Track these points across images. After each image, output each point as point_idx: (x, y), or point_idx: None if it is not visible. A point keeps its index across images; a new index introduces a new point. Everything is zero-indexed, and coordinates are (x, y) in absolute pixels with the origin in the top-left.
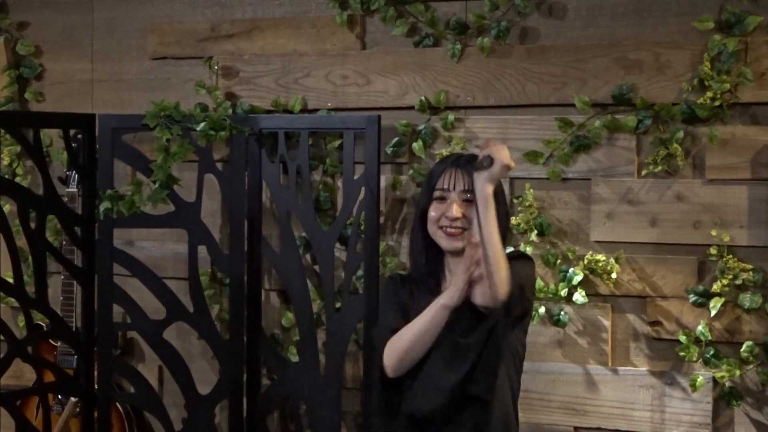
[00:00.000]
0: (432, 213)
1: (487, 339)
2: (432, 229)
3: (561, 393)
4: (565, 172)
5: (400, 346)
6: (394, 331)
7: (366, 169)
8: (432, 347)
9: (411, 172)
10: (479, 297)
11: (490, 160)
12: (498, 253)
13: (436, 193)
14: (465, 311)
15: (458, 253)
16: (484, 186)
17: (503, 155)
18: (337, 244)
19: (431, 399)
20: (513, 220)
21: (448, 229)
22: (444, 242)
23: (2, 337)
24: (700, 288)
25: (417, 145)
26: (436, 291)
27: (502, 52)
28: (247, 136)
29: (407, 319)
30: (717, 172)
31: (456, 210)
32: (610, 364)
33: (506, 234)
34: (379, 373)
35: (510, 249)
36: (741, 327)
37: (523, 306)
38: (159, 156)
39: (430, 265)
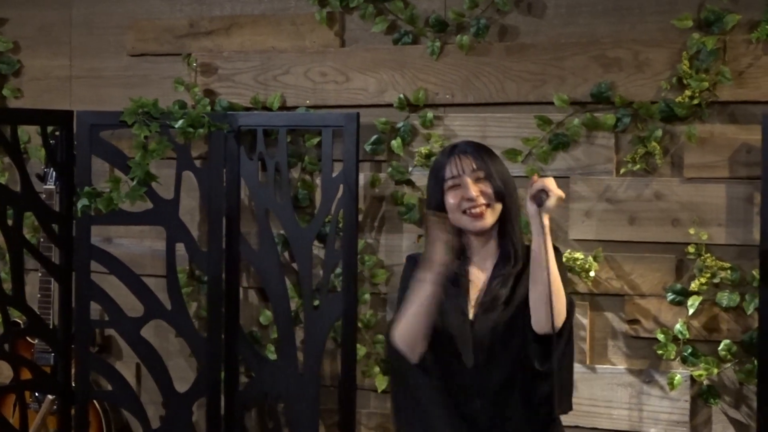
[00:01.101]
0: (450, 201)
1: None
2: (455, 216)
3: None
4: (543, 170)
5: (405, 329)
6: None
7: (345, 167)
8: None
9: (390, 169)
10: (536, 325)
11: (546, 194)
12: (558, 284)
13: (449, 183)
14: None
15: (484, 233)
16: (543, 219)
17: (555, 188)
18: (316, 242)
19: None
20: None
21: (472, 211)
22: (470, 225)
23: None
24: (678, 286)
25: (396, 143)
26: (463, 273)
27: (482, 50)
28: (225, 134)
29: None
30: (695, 171)
31: (473, 188)
32: (588, 362)
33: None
34: (393, 370)
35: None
36: (719, 325)
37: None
38: (137, 153)
39: (456, 253)
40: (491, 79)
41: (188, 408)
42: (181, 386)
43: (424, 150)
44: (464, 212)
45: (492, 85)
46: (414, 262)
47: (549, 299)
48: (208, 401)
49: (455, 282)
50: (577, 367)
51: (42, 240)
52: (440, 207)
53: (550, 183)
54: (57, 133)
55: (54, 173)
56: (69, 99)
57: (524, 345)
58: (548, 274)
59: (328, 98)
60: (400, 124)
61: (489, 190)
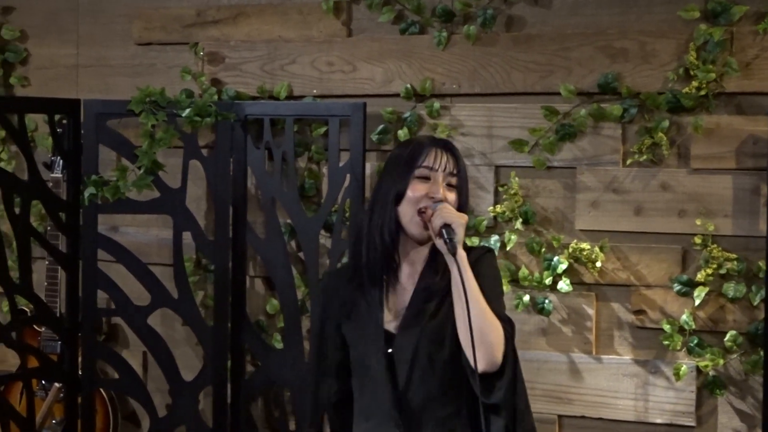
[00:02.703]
0: (410, 193)
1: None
2: (409, 211)
3: (545, 381)
4: (550, 161)
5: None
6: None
7: (351, 157)
8: None
9: None
10: (472, 363)
11: (450, 229)
12: (485, 319)
13: (420, 171)
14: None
15: (422, 242)
16: (458, 255)
17: (453, 215)
18: (322, 231)
19: None
20: (498, 208)
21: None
22: (417, 230)
23: None
24: (685, 277)
25: (402, 133)
26: (393, 278)
27: (488, 40)
28: (232, 123)
29: (350, 315)
30: (702, 162)
31: (442, 191)
32: (594, 352)
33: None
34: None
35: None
36: (725, 316)
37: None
38: (144, 142)
39: (389, 250)
40: (498, 69)
41: (194, 396)
42: (188, 375)
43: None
44: (420, 212)
45: (498, 75)
46: (334, 286)
47: (479, 338)
48: (215, 390)
49: (379, 288)
50: (583, 358)
51: (49, 228)
52: (402, 188)
53: (449, 215)
54: (64, 121)
55: (61, 162)
56: (76, 88)
57: (459, 369)
58: (468, 310)
59: (335, 88)
60: (406, 114)
61: (454, 199)
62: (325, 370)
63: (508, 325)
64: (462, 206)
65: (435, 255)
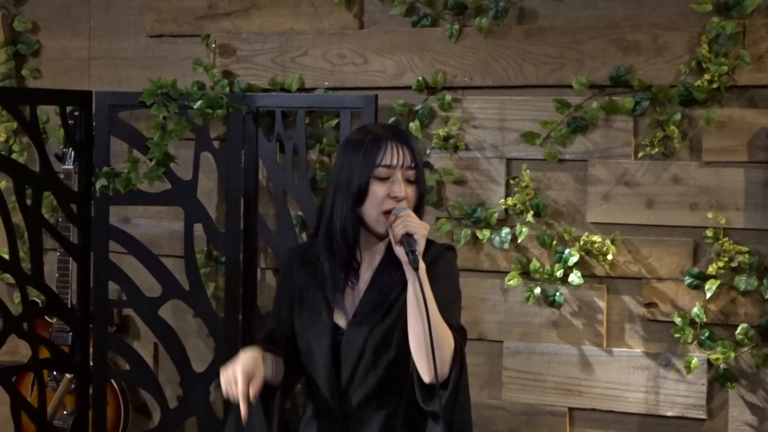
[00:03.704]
0: (372, 195)
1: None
2: (373, 212)
3: (556, 374)
4: (561, 153)
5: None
6: (265, 339)
7: None
8: None
9: None
10: (426, 375)
11: (412, 238)
12: (443, 330)
13: (379, 171)
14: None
15: (384, 237)
16: (422, 267)
17: (415, 225)
18: None
19: None
20: (509, 201)
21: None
22: (383, 229)
23: None
24: (696, 270)
25: (414, 125)
26: (351, 273)
27: (500, 33)
28: (244, 115)
29: (302, 302)
30: (714, 155)
31: (403, 189)
32: (605, 345)
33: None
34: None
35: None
36: (736, 309)
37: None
38: (156, 134)
39: (351, 251)
40: (510, 62)
41: (205, 388)
42: (199, 366)
43: (442, 132)
44: (384, 213)
45: (510, 68)
46: (291, 256)
47: (430, 351)
48: None
49: (345, 276)
50: (594, 350)
51: (60, 219)
52: (362, 190)
53: (412, 225)
54: (76, 113)
55: (73, 153)
56: (88, 79)
57: (402, 370)
58: (429, 326)
59: (347, 80)
60: (418, 107)
61: (413, 194)
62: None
63: (459, 335)
64: (421, 196)
65: (392, 250)
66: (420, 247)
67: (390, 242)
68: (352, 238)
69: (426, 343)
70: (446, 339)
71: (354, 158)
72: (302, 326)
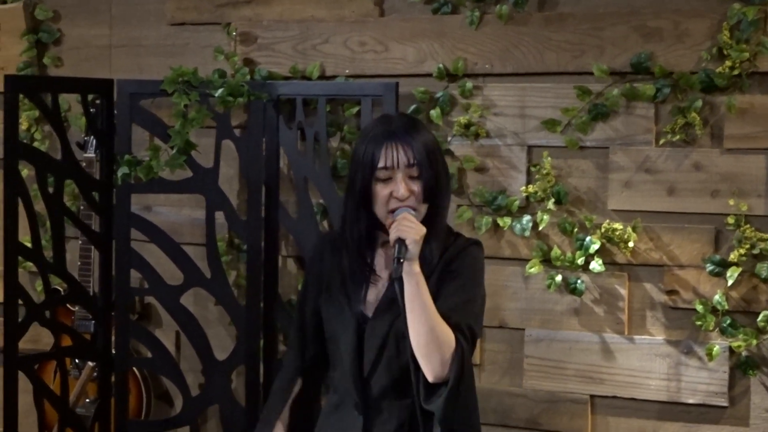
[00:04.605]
0: (377, 197)
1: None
2: (382, 212)
3: (577, 361)
4: (582, 141)
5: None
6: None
7: None
8: None
9: None
10: (429, 375)
11: (404, 244)
12: (439, 331)
13: (379, 174)
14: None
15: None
16: (411, 269)
17: (408, 230)
18: None
19: None
20: (530, 188)
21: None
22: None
23: (20, 302)
24: (717, 257)
25: (435, 113)
26: (368, 266)
27: (521, 20)
28: (264, 103)
29: (330, 288)
30: (735, 142)
31: (404, 188)
32: (626, 332)
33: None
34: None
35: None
36: (758, 296)
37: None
38: (177, 122)
39: (363, 253)
40: (530, 49)
41: (227, 376)
42: (220, 354)
43: (463, 120)
44: (391, 212)
45: (531, 55)
46: (322, 243)
47: (423, 352)
48: (247, 369)
49: (360, 273)
50: (615, 338)
51: (82, 208)
52: (366, 192)
53: (405, 230)
54: (97, 101)
55: (94, 141)
56: (109, 67)
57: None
58: (430, 324)
59: (367, 68)
60: (439, 94)
61: (419, 189)
62: (300, 336)
63: (465, 336)
64: (431, 190)
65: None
66: (411, 252)
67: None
68: (357, 240)
69: (418, 344)
70: (443, 341)
71: (357, 160)
72: (329, 313)
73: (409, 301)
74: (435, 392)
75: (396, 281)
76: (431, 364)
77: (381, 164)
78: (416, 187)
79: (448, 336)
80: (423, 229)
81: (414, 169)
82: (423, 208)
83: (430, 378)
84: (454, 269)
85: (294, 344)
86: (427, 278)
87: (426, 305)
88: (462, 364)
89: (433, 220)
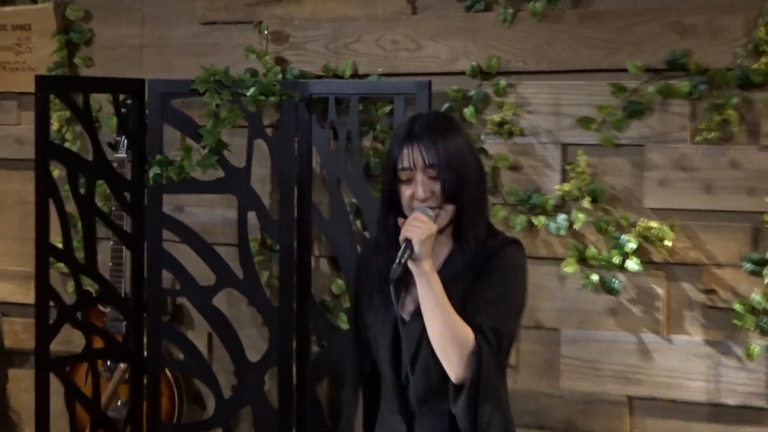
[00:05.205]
0: (405, 193)
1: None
2: (407, 211)
3: (614, 362)
4: (617, 138)
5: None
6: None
7: None
8: None
9: None
10: (452, 377)
11: (410, 246)
12: (454, 331)
13: (402, 174)
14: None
15: (441, 231)
16: (419, 269)
17: (415, 230)
18: None
19: None
20: (565, 187)
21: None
22: None
23: (52, 303)
24: (755, 256)
25: (468, 111)
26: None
27: (554, 17)
28: (297, 102)
29: (372, 293)
30: None
31: (422, 190)
32: (664, 333)
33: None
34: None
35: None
36: None
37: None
38: (208, 121)
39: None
40: (564, 46)
41: (260, 377)
42: (253, 355)
43: (496, 118)
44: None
45: (565, 52)
46: (368, 248)
47: (441, 352)
48: (280, 370)
49: (382, 277)
50: (653, 338)
51: (114, 208)
52: (393, 195)
53: (412, 230)
54: (128, 101)
55: (125, 141)
56: (140, 67)
57: None
58: (442, 326)
59: (400, 66)
60: (472, 92)
61: (439, 192)
62: (356, 347)
63: (483, 336)
64: (452, 191)
65: (459, 245)
66: (417, 252)
67: (454, 235)
68: (388, 241)
69: (435, 343)
70: (459, 340)
71: (384, 162)
72: (370, 319)
73: (422, 300)
74: (458, 394)
75: (391, 282)
76: (451, 364)
77: (400, 165)
78: (437, 186)
79: (466, 335)
80: (432, 229)
81: (432, 170)
82: (449, 209)
83: (453, 379)
84: (487, 269)
85: (353, 354)
86: (455, 280)
87: (439, 304)
88: (479, 364)
89: (461, 221)
